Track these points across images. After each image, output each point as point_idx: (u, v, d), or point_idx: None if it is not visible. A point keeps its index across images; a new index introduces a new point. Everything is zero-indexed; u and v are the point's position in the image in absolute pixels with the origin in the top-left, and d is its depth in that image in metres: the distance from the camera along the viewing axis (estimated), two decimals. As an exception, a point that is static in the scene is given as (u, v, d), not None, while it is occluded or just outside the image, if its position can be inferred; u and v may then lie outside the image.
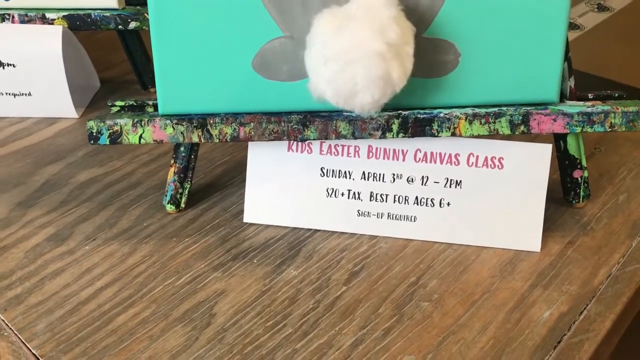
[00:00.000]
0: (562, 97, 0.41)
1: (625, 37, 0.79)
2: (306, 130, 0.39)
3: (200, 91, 0.40)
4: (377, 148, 0.41)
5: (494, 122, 0.39)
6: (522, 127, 0.39)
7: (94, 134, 0.39)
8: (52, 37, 0.52)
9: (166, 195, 0.44)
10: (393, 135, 0.39)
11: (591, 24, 0.84)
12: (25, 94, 0.54)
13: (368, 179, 0.42)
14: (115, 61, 0.63)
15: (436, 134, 0.39)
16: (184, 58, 0.39)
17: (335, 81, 0.35)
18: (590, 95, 0.43)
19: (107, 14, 0.53)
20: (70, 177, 0.48)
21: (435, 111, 0.39)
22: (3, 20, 0.53)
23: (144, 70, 0.58)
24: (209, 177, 0.48)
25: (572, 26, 0.83)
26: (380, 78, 0.35)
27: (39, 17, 0.53)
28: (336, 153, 0.42)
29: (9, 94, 0.54)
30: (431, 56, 0.39)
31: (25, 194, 0.46)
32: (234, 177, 0.48)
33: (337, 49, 0.35)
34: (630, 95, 0.43)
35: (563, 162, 0.43)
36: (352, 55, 0.34)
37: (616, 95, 0.43)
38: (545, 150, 0.40)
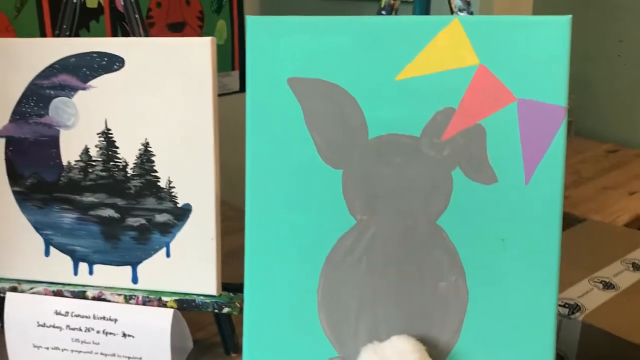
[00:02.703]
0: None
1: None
2: None
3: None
4: None
5: None
6: None
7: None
8: (164, 317, 0.69)
9: None
10: None
11: (626, 283, 0.92)
12: (137, 359, 0.69)
13: None
14: (204, 322, 0.79)
15: None
16: (264, 365, 0.54)
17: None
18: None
19: (207, 300, 0.69)
20: None
21: (452, 423, 0.51)
22: (130, 299, 0.70)
23: (229, 339, 0.73)
24: None
25: (607, 285, 0.92)
26: (406, 406, 0.47)
27: (157, 299, 0.70)
28: None
29: (125, 357, 0.70)
30: (448, 381, 0.51)
31: None
32: None
33: (375, 381, 0.48)
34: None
35: None
36: (386, 388, 0.47)
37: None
38: None
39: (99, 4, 1.29)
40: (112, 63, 0.69)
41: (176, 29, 1.41)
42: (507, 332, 0.51)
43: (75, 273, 0.73)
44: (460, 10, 0.54)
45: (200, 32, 1.46)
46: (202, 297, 0.70)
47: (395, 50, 0.50)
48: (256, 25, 0.52)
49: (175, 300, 0.70)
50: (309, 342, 0.53)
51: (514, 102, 0.49)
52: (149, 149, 0.69)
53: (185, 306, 0.70)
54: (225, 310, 0.69)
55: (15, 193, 0.74)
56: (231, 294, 0.71)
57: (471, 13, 0.54)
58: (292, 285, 0.53)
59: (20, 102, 0.72)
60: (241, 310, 0.69)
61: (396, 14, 0.57)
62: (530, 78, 0.49)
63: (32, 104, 0.71)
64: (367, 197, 0.52)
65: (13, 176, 0.73)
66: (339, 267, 0.52)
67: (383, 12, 0.56)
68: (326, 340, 0.53)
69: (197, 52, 0.66)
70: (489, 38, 0.49)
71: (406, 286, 0.52)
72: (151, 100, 0.68)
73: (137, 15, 0.71)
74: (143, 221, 0.71)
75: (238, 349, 0.73)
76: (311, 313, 0.53)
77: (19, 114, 0.72)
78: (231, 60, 1.56)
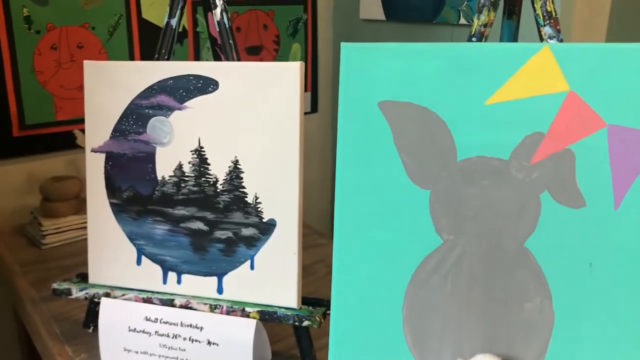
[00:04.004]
0: None
1: None
2: None
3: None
4: None
5: None
6: None
7: None
8: (248, 327, 0.72)
9: None
10: None
11: None
12: (221, 366, 0.73)
13: None
14: (283, 334, 0.81)
15: None
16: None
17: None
18: None
19: (289, 312, 0.72)
20: None
21: None
22: (215, 309, 0.74)
23: (307, 351, 0.75)
24: None
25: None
26: None
27: (240, 309, 0.73)
28: None
29: (209, 363, 0.73)
30: (532, 403, 0.52)
31: None
32: None
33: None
34: None
35: None
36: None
37: None
38: None
39: (184, 28, 1.37)
40: (207, 85, 0.73)
41: (254, 52, 1.47)
42: (593, 356, 0.51)
43: (165, 282, 0.78)
44: (550, 37, 0.55)
45: (276, 55, 1.51)
46: (283, 310, 0.72)
47: (486, 75, 0.52)
48: (350, 52, 0.55)
49: (258, 312, 0.73)
50: (393, 356, 0.54)
51: (604, 127, 0.50)
52: (238, 166, 0.73)
53: (267, 317, 0.72)
54: (306, 323, 0.71)
55: (112, 205, 0.79)
56: (311, 308, 0.73)
57: (561, 40, 0.55)
58: (378, 301, 0.55)
59: (120, 120, 0.77)
60: (320, 323, 0.71)
61: (486, 40, 0.58)
62: (621, 104, 0.50)
63: (131, 122, 0.77)
64: (454, 217, 0.53)
65: (111, 189, 0.79)
66: (424, 285, 0.54)
67: (473, 39, 0.58)
68: (410, 355, 0.54)
69: (287, 75, 0.70)
70: (580, 65, 0.50)
71: (491, 306, 0.53)
72: (242, 120, 0.72)
73: (231, 41, 0.76)
74: (230, 234, 0.75)
75: (315, 363, 0.75)
76: (396, 328, 0.55)
77: (119, 131, 0.78)
78: (304, 82, 1.60)
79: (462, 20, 1.27)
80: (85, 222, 1.14)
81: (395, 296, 0.55)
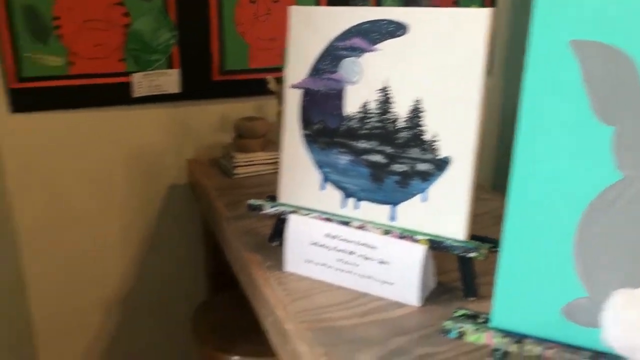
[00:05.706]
0: None
1: None
2: (594, 365, 0.56)
3: (522, 318, 0.60)
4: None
5: None
6: None
7: (449, 330, 0.62)
8: (418, 251, 0.79)
9: (479, 382, 0.63)
10: (662, 387, 0.53)
11: None
12: (389, 283, 0.81)
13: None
14: (447, 268, 0.87)
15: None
16: (517, 297, 0.60)
17: (619, 341, 0.52)
18: None
19: (456, 243, 0.78)
20: (410, 350, 0.71)
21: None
22: (388, 234, 0.82)
23: (469, 284, 0.81)
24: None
25: None
26: (656, 346, 0.50)
27: (411, 236, 0.80)
28: (614, 388, 0.57)
29: (379, 280, 0.82)
30: (701, 338, 0.53)
31: (378, 355, 0.70)
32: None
33: (624, 320, 0.52)
34: None
35: None
36: (634, 326, 0.51)
37: None
38: None
39: (367, -13, 1.45)
40: (398, 29, 0.80)
41: (431, 12, 1.51)
42: None
43: (344, 206, 0.87)
44: None
45: (453, 16, 1.54)
46: (451, 240, 0.78)
47: (686, 15, 0.53)
48: (545, -8, 0.59)
49: (427, 240, 0.79)
50: (560, 280, 0.58)
51: None
52: (419, 106, 0.80)
53: (435, 246, 0.79)
54: (472, 254, 0.77)
55: (305, 135, 0.90)
56: (478, 243, 0.78)
57: None
58: (550, 231, 0.59)
59: (318, 60, 0.87)
60: (486, 256, 0.76)
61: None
62: None
63: (327, 62, 0.86)
64: (638, 154, 0.55)
65: (305, 121, 0.89)
66: (599, 217, 0.57)
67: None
68: (578, 281, 0.58)
69: (476, 21, 0.74)
70: None
71: (667, 242, 0.54)
72: (427, 63, 0.78)
73: (424, -11, 0.82)
74: (406, 168, 0.82)
75: (476, 295, 0.80)
76: (566, 257, 0.58)
77: (316, 70, 0.87)
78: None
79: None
80: (271, 159, 1.29)
81: (569, 226, 0.58)
